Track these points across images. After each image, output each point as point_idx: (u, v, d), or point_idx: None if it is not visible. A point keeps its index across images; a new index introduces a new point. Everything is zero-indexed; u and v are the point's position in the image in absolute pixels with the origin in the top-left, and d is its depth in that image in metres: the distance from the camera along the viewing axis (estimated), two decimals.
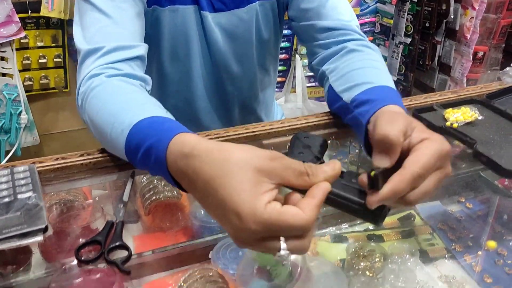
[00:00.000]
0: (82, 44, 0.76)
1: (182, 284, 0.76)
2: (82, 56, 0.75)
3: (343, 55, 0.84)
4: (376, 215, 0.57)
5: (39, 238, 0.55)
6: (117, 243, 0.58)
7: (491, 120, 0.86)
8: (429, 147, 0.53)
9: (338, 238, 0.94)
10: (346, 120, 0.78)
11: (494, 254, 0.82)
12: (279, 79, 2.07)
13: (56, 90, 1.87)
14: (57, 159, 0.74)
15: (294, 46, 2.10)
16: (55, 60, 1.80)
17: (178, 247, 0.93)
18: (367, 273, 0.78)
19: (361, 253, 0.81)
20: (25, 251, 0.89)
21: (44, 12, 1.67)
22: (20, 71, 1.72)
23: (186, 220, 1.01)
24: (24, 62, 1.75)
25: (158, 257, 0.91)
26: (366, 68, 0.77)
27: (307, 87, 2.16)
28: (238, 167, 0.45)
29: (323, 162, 0.64)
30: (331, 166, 0.49)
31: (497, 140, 0.80)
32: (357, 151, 0.95)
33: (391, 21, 2.15)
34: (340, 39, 0.86)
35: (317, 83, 2.19)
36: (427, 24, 2.14)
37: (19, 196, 0.62)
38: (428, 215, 0.98)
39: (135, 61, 0.77)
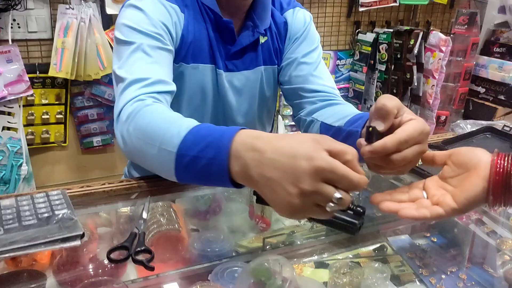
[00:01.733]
0: (126, 74, 0.88)
1: None
2: (128, 82, 0.87)
3: (328, 105, 1.04)
4: (353, 228, 0.73)
5: (78, 242, 0.67)
6: (142, 248, 0.71)
7: None
8: (414, 124, 0.67)
9: (321, 265, 1.06)
10: None
11: (456, 277, 0.94)
12: None
13: (55, 144, 1.99)
14: (82, 186, 0.87)
15: (277, 108, 2.31)
16: (57, 116, 1.95)
17: (180, 271, 1.03)
18: (347, 287, 0.91)
19: (342, 271, 0.94)
20: (40, 276, 0.99)
21: (52, 72, 1.84)
22: (24, 125, 1.85)
23: (185, 250, 1.12)
24: (28, 117, 1.89)
25: (162, 280, 1.01)
26: (351, 110, 0.96)
27: None
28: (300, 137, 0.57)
29: None
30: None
31: None
32: None
33: (363, 87, 2.40)
34: (325, 98, 1.06)
35: None
36: (394, 90, 2.38)
37: (56, 212, 0.74)
38: (398, 247, 1.12)
39: (168, 96, 0.91)
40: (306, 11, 1.14)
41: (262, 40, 1.09)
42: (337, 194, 0.55)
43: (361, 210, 0.78)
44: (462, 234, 1.10)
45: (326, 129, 0.98)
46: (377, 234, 1.15)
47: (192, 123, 0.71)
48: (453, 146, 1.10)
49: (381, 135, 0.66)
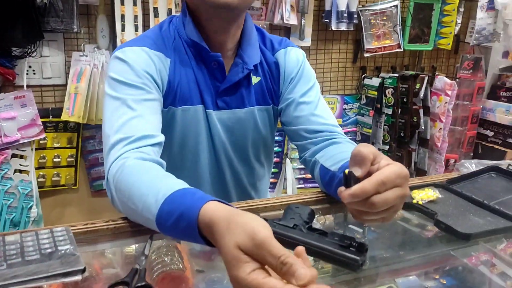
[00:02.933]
0: (113, 132, 0.92)
1: None
2: (113, 142, 0.91)
3: (331, 144, 1.04)
4: (354, 264, 0.72)
5: (79, 277, 0.67)
6: (142, 283, 0.70)
7: (450, 199, 1.03)
8: (392, 167, 0.69)
9: None
10: (333, 189, 0.93)
11: None
12: (271, 180, 2.25)
13: (66, 187, 2.01)
14: (86, 224, 0.87)
15: (285, 151, 2.33)
16: (68, 159, 1.98)
17: None
18: None
19: None
20: None
21: (64, 117, 1.90)
22: (35, 168, 1.89)
23: None
24: (40, 160, 1.93)
25: None
26: (348, 152, 0.96)
27: (297, 188, 2.34)
28: (228, 240, 0.56)
29: (311, 226, 0.78)
30: (310, 274, 0.50)
31: (455, 213, 0.97)
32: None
33: (370, 131, 2.41)
34: (327, 138, 1.07)
35: (306, 185, 2.38)
36: (402, 134, 2.39)
37: (59, 248, 0.75)
38: None
39: (156, 147, 0.94)
40: (299, 50, 1.15)
41: (255, 80, 1.10)
42: None
43: (364, 247, 0.77)
44: (472, 276, 1.07)
45: (325, 172, 0.99)
46: (384, 274, 1.13)
47: (167, 190, 0.74)
48: (458, 185, 1.09)
49: (359, 180, 0.68)
